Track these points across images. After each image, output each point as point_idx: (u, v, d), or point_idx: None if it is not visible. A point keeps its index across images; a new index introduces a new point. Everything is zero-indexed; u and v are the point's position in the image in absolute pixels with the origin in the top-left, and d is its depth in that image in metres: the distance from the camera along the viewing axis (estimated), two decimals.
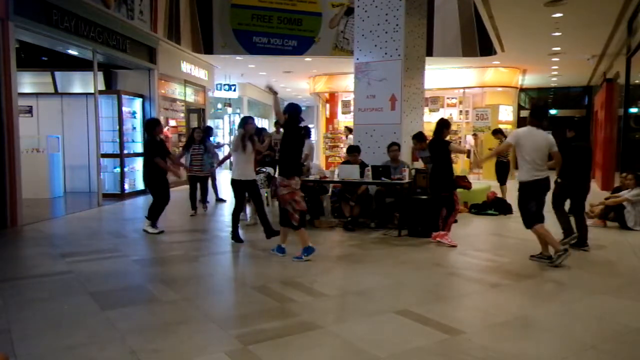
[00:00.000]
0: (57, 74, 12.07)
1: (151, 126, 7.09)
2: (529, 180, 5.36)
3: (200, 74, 15.06)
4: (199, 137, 8.89)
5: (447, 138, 6.62)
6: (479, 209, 9.06)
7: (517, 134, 5.55)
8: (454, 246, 6.23)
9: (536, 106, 5.89)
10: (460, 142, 16.08)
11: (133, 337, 3.38)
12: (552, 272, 5.17)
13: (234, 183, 6.40)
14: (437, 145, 6.52)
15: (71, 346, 3.23)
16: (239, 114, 20.38)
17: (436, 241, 6.41)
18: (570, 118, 20.24)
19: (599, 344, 3.33)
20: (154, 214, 7.00)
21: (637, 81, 10.13)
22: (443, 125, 6.57)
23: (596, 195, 10.62)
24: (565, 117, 20.36)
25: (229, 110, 19.81)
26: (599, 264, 5.62)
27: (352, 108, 9.98)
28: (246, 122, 6.54)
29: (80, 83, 12.09)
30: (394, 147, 7.65)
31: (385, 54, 8.21)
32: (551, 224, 5.95)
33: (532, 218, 5.43)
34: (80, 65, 11.06)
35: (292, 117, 5.48)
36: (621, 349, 3.29)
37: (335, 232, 7.36)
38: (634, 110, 10.73)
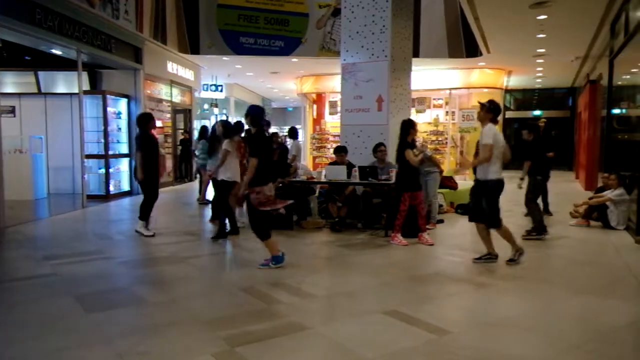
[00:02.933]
0: (41, 73, 11.92)
1: (144, 120, 6.95)
2: (501, 178, 5.31)
3: (186, 74, 14.95)
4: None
5: (414, 138, 6.62)
6: (465, 209, 9.10)
7: (494, 133, 5.27)
8: (406, 245, 6.34)
9: (493, 102, 5.63)
10: (446, 142, 16.22)
11: (120, 339, 3.34)
12: (538, 273, 5.23)
13: (227, 185, 6.57)
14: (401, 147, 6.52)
15: (58, 349, 3.19)
16: (226, 114, 20.29)
17: (394, 243, 6.46)
18: (555, 119, 20.55)
19: (584, 344, 3.37)
20: (145, 213, 6.89)
21: (619, 83, 10.27)
22: (410, 125, 6.54)
23: (580, 195, 10.78)
24: (550, 117, 20.66)
25: (216, 110, 19.71)
26: (583, 264, 5.69)
27: (339, 109, 9.98)
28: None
29: (65, 83, 11.93)
30: (381, 148, 7.67)
31: (372, 54, 8.23)
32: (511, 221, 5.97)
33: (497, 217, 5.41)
34: (64, 65, 10.91)
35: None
36: (606, 349, 3.33)
37: (323, 232, 7.36)
38: (616, 111, 10.88)
